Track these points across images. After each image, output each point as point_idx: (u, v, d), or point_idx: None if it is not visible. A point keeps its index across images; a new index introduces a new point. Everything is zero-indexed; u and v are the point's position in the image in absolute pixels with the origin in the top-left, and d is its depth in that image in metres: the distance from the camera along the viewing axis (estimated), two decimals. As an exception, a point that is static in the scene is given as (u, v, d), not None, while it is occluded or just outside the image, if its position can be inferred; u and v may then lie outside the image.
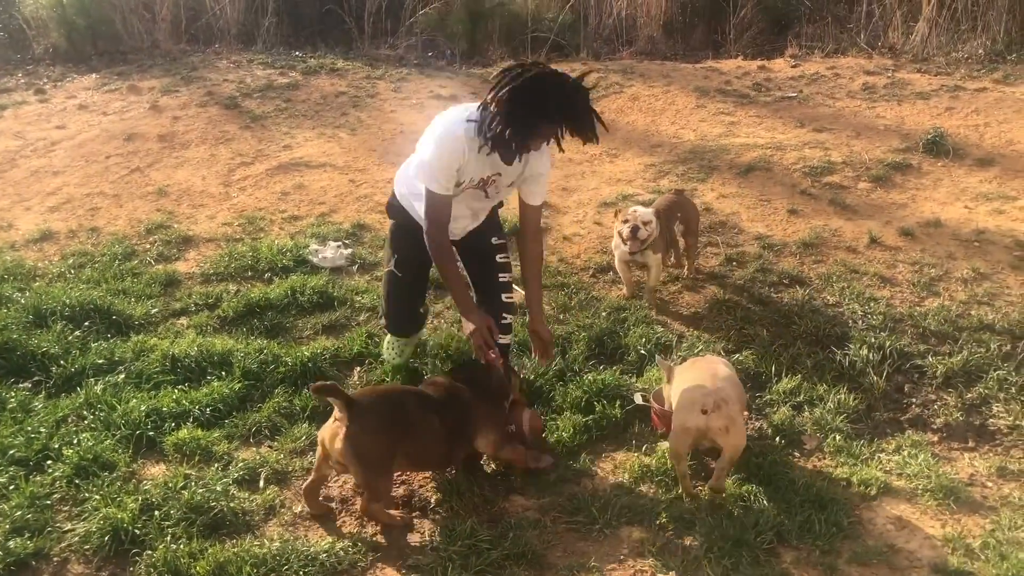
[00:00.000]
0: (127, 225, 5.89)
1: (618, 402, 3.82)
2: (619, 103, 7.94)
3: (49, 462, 3.48)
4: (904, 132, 6.89)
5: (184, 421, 3.76)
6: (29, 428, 3.66)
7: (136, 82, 8.62)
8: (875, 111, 7.43)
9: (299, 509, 3.29)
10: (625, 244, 4.53)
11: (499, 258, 3.72)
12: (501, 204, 3.82)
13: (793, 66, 8.83)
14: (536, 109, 3.12)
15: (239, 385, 3.98)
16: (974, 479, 3.46)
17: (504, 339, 3.70)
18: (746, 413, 3.63)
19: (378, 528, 3.18)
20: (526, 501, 3.31)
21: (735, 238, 5.40)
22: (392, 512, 3.22)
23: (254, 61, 9.24)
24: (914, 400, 3.94)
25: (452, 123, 3.30)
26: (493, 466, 3.51)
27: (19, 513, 3.18)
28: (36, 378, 4.08)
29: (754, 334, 4.36)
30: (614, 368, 4.10)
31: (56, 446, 3.55)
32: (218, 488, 3.32)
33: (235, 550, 3.00)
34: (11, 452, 3.50)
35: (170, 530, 3.10)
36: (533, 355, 3.83)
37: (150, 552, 3.00)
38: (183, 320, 4.69)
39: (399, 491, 3.39)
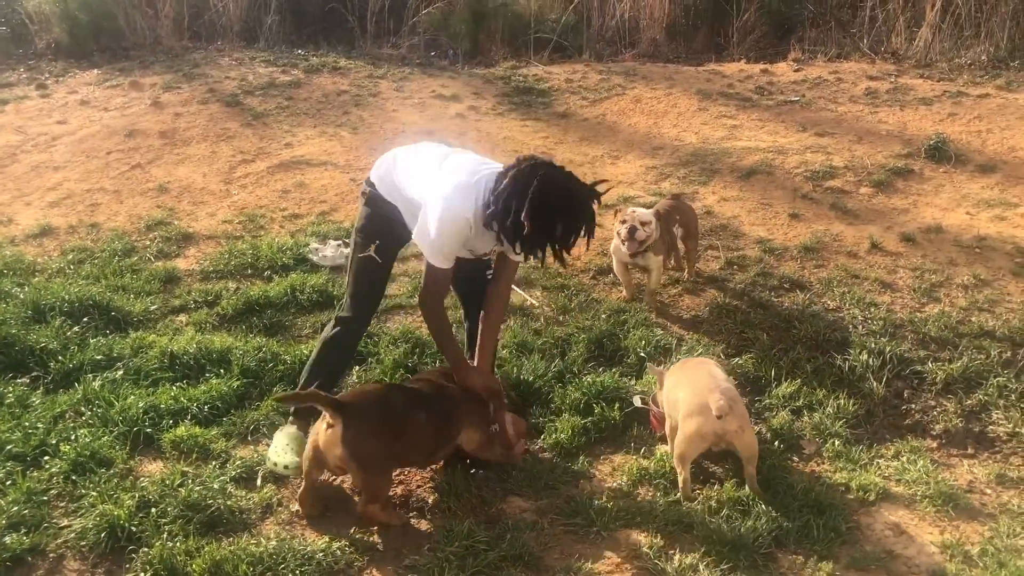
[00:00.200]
0: (127, 221, 5.88)
1: (617, 404, 3.82)
2: (621, 105, 7.94)
3: (46, 458, 3.47)
4: (906, 137, 6.89)
5: (182, 418, 3.75)
6: (27, 423, 3.65)
7: (138, 78, 8.61)
8: (877, 116, 7.43)
9: (296, 508, 3.28)
10: (624, 245, 4.51)
11: (487, 274, 3.66)
12: None
13: (796, 70, 8.82)
14: (554, 219, 3.06)
15: (238, 383, 3.98)
16: (973, 486, 3.46)
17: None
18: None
19: (375, 528, 3.17)
20: (524, 503, 3.31)
21: (736, 242, 5.40)
22: (390, 512, 3.22)
23: (256, 59, 9.23)
24: (914, 406, 3.93)
25: (462, 207, 3.14)
26: (491, 466, 3.50)
27: (15, 509, 3.17)
28: (34, 373, 4.08)
29: (754, 338, 4.35)
30: (613, 370, 4.10)
31: (53, 442, 3.55)
32: (215, 486, 3.31)
33: (231, 548, 2.99)
34: (8, 447, 3.50)
35: (167, 528, 3.09)
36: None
37: (146, 549, 2.99)
38: (182, 317, 4.69)
39: (397, 491, 3.38)
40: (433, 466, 3.47)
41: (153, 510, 3.16)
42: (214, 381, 3.98)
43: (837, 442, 3.65)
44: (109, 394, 3.85)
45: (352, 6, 10.13)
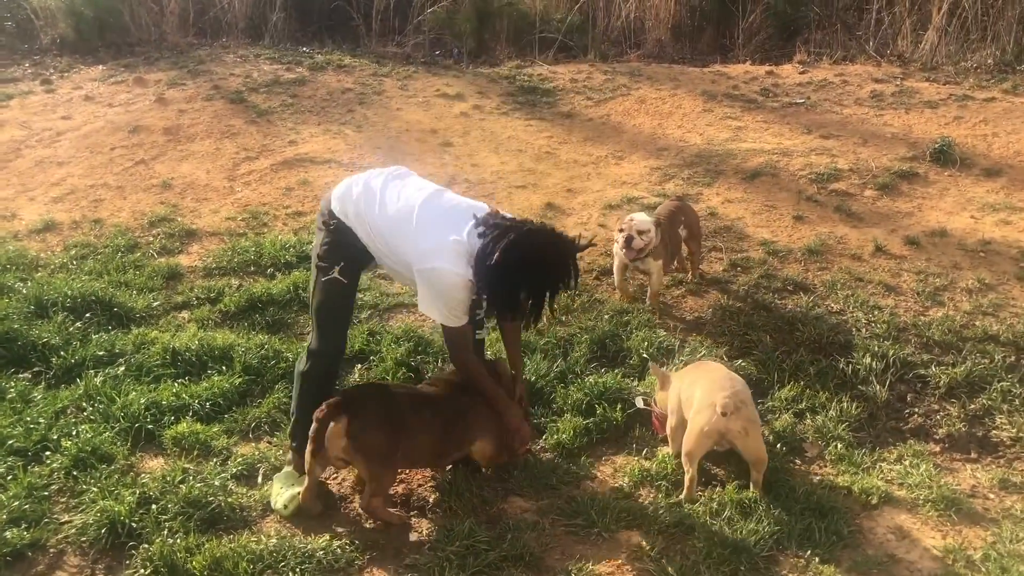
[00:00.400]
0: (130, 217, 5.88)
1: (619, 405, 3.81)
2: (626, 105, 7.93)
3: (47, 453, 3.48)
4: (911, 140, 6.87)
5: (183, 415, 3.75)
6: (28, 418, 3.65)
7: (142, 74, 8.62)
8: (883, 119, 7.40)
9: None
10: (622, 252, 4.51)
11: (477, 334, 3.64)
12: None
13: (801, 72, 8.80)
14: (540, 274, 3.14)
15: (239, 380, 3.98)
16: (976, 491, 3.44)
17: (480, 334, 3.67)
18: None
19: (376, 526, 3.17)
20: (525, 503, 3.30)
21: (740, 243, 5.39)
22: (392, 511, 3.21)
23: (261, 56, 9.23)
24: (917, 410, 3.92)
25: (459, 271, 3.10)
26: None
27: (16, 504, 3.18)
28: (36, 368, 4.08)
29: (757, 340, 4.34)
30: (616, 371, 4.09)
31: (55, 437, 3.55)
32: (216, 483, 3.32)
33: (232, 545, 2.99)
34: (10, 442, 3.50)
35: (167, 524, 3.09)
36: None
37: (146, 546, 2.99)
38: (184, 314, 4.69)
39: (398, 489, 3.38)
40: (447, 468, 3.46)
41: (154, 506, 3.16)
42: (216, 378, 3.98)
43: (840, 445, 3.64)
44: (111, 390, 3.85)
45: (357, 4, 10.12)
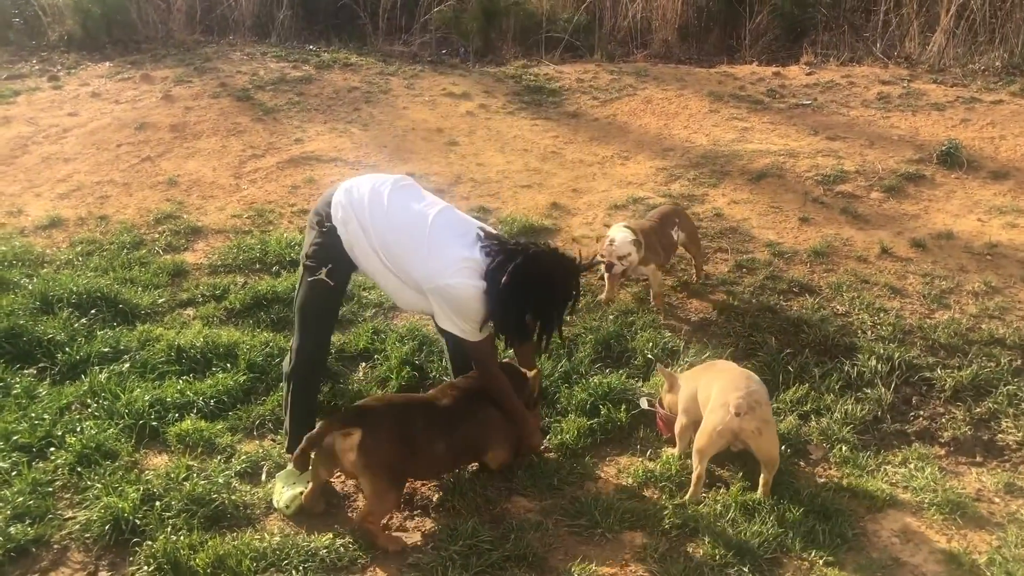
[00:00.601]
0: (136, 214, 5.89)
1: (623, 406, 3.81)
2: (632, 105, 7.92)
3: (52, 449, 3.48)
4: (918, 143, 6.85)
5: (188, 412, 3.75)
6: (33, 414, 3.66)
7: (149, 71, 8.63)
8: (889, 121, 7.39)
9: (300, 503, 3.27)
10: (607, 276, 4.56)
11: None
12: None
13: (808, 73, 8.78)
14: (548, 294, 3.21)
15: (244, 377, 3.98)
16: (981, 494, 3.43)
17: None
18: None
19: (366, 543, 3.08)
20: (528, 503, 3.30)
21: (745, 245, 5.38)
22: (389, 534, 3.13)
23: (268, 54, 9.24)
24: (922, 413, 3.91)
25: (473, 285, 3.12)
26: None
27: (20, 499, 3.18)
28: (41, 364, 4.09)
29: (762, 341, 4.33)
30: (620, 372, 4.08)
31: (59, 433, 3.55)
32: (220, 480, 3.32)
33: (235, 543, 2.99)
34: (14, 438, 3.51)
35: (171, 521, 3.09)
36: None
37: (150, 543, 2.99)
38: (190, 311, 4.69)
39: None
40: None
41: (157, 503, 3.16)
42: (220, 375, 3.98)
43: (844, 448, 3.63)
44: (115, 386, 3.85)
45: (364, 3, 10.13)
